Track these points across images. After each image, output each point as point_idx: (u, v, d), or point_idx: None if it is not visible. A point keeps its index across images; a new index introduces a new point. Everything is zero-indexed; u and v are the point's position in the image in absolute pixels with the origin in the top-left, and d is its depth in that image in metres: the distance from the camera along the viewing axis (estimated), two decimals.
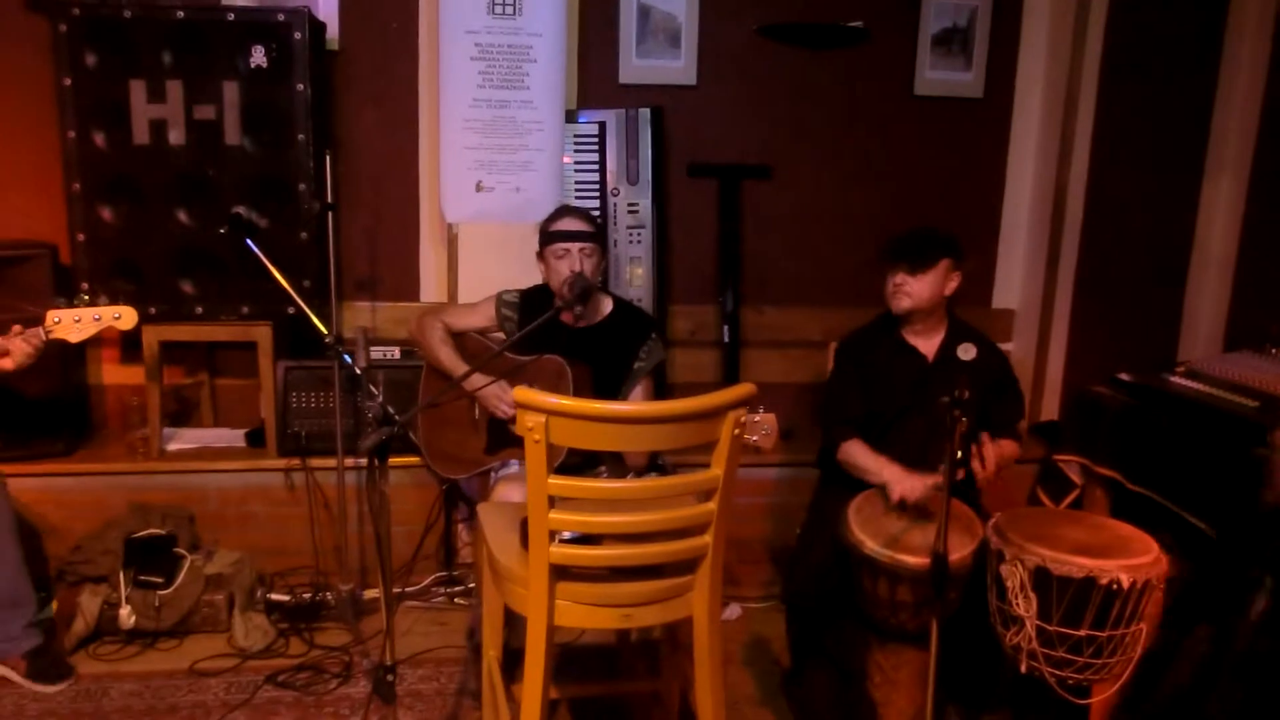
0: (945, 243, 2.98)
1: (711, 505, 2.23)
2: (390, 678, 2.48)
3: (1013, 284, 4.38)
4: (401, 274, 4.04)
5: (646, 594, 2.27)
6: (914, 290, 2.95)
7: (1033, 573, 2.43)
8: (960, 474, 2.75)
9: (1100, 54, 3.99)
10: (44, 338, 2.85)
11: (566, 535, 2.23)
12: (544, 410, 2.08)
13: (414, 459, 3.43)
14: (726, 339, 4.13)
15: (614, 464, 3.11)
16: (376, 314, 4.03)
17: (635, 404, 2.45)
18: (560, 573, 2.22)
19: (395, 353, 3.72)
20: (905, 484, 2.79)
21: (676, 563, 2.28)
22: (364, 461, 3.24)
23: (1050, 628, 2.41)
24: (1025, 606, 2.45)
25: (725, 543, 2.29)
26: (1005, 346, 4.27)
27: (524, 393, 2.09)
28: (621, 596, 2.26)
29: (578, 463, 3.00)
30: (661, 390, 3.99)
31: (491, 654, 2.64)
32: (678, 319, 4.19)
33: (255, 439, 3.75)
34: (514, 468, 3.23)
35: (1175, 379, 3.21)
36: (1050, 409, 4.21)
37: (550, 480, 2.13)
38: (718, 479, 2.21)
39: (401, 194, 4.00)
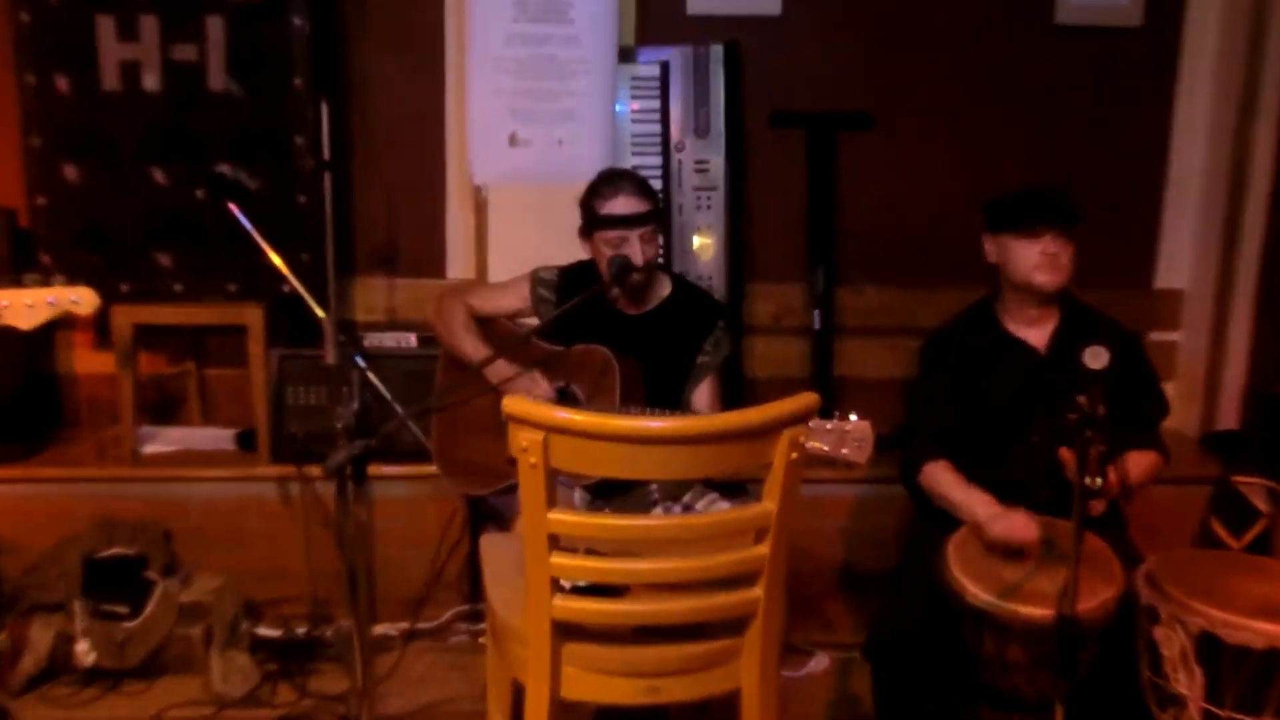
0: None
1: (763, 549, 2.04)
2: None
3: (1180, 259, 4.12)
4: (424, 245, 3.93)
5: (678, 661, 2.11)
6: (1068, 259, 2.75)
7: (1198, 639, 2.24)
8: (1098, 508, 2.54)
9: None
10: None
11: (580, 583, 2.07)
12: (542, 426, 1.91)
13: (432, 467, 3.26)
14: (817, 325, 3.94)
15: (667, 485, 2.92)
16: (395, 292, 3.93)
17: (661, 421, 2.28)
18: (567, 631, 2.06)
19: (411, 339, 3.60)
20: (1003, 522, 2.56)
21: (718, 622, 2.11)
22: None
23: (1222, 713, 2.23)
24: (1187, 683, 2.26)
25: (783, 595, 2.14)
26: (1170, 337, 4.09)
27: (515, 403, 1.93)
28: (646, 664, 2.10)
29: (625, 484, 2.83)
30: (734, 391, 3.82)
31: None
32: (758, 300, 4.02)
33: (246, 441, 3.67)
34: None
35: None
36: (1228, 416, 3.95)
37: (552, 516, 1.95)
38: (770, 516, 2.01)
39: (425, 151, 3.89)
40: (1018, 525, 2.54)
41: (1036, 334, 2.85)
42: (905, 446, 2.91)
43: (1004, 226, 2.79)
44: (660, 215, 2.95)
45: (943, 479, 2.75)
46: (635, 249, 2.85)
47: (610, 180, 2.94)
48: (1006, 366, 2.83)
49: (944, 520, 2.71)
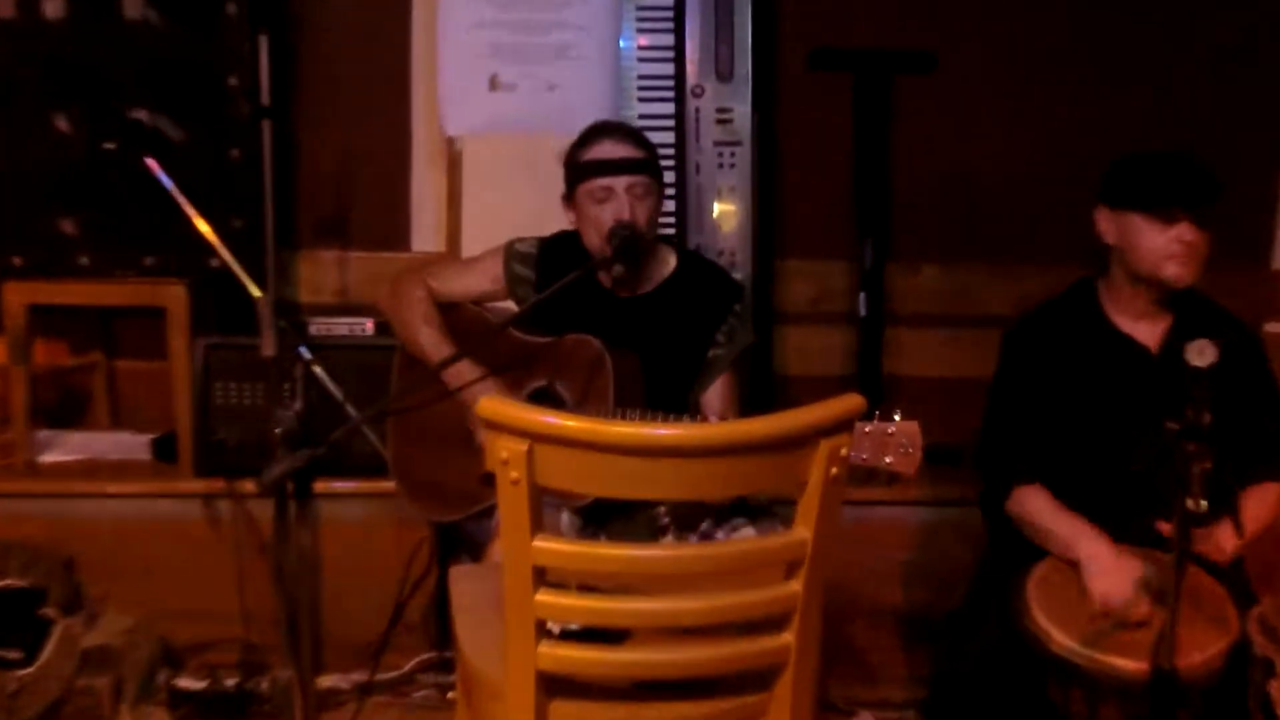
0: None
1: (796, 585, 2.04)
2: None
3: None
4: (384, 211, 3.99)
5: None
6: (1205, 248, 2.71)
7: None
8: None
9: None
10: None
11: (571, 626, 2.08)
12: (527, 433, 1.89)
13: (392, 483, 3.28)
14: (864, 311, 3.97)
15: (678, 507, 2.91)
16: (347, 268, 3.98)
17: (678, 428, 2.28)
18: (555, 685, 2.06)
19: (366, 325, 3.60)
20: (1109, 580, 2.56)
21: (740, 674, 2.12)
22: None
23: None
24: None
25: (819, 640, 2.15)
26: None
27: (494, 406, 1.91)
28: None
29: (624, 506, 2.84)
30: (762, 391, 3.84)
31: None
32: (792, 280, 4.08)
33: (164, 450, 3.68)
34: None
35: None
36: None
37: (538, 544, 1.94)
38: (804, 545, 2.00)
39: (386, 96, 3.94)
40: (1118, 589, 2.53)
41: (1147, 331, 2.83)
42: (985, 464, 2.91)
43: (1131, 202, 2.73)
44: (657, 170, 2.95)
45: (1036, 506, 2.75)
46: (623, 203, 2.84)
47: (597, 129, 2.98)
48: (1111, 369, 2.82)
49: (1024, 550, 2.72)
